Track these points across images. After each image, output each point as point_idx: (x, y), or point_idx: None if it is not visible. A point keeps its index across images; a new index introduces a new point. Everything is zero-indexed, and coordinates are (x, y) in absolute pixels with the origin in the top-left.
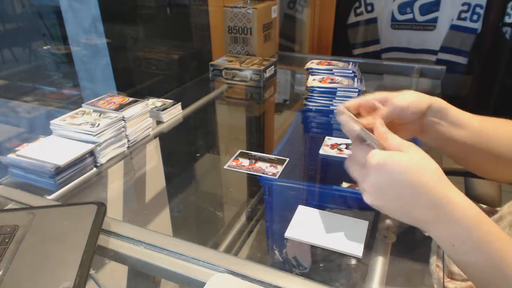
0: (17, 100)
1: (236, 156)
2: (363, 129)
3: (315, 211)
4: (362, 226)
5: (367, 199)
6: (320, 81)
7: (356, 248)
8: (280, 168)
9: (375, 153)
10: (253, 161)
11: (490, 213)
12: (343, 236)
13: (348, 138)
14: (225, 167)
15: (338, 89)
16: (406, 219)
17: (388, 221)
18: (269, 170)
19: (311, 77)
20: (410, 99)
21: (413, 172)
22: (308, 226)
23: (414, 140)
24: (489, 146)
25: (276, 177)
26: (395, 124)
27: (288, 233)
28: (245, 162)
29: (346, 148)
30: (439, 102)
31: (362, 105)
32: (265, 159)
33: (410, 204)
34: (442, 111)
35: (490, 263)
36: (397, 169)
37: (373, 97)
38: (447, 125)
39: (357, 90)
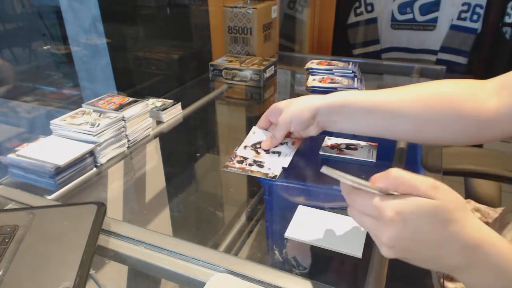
0: (17, 100)
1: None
2: (354, 180)
3: (315, 211)
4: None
5: (389, 254)
6: (320, 81)
7: (355, 249)
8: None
9: (389, 202)
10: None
11: (491, 210)
12: (343, 237)
13: (347, 138)
14: (224, 169)
15: (338, 89)
16: (435, 266)
17: None
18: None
19: (311, 77)
20: (290, 114)
21: (440, 219)
22: (308, 226)
23: (414, 159)
24: (412, 118)
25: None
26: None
27: (288, 233)
28: (247, 158)
29: (346, 148)
30: (327, 105)
31: (265, 122)
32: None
33: (440, 252)
34: (334, 111)
35: None
36: (419, 219)
37: (266, 115)
38: (345, 119)
39: (357, 90)
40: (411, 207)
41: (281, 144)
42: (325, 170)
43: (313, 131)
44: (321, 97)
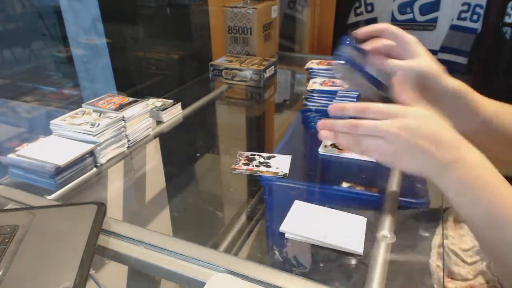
0: (17, 100)
1: (240, 160)
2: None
3: (312, 206)
4: (360, 222)
5: (395, 160)
6: (321, 84)
7: (356, 245)
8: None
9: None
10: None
11: None
12: (342, 232)
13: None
14: (230, 171)
15: (339, 92)
16: (424, 163)
17: (387, 221)
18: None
19: (311, 80)
20: (429, 68)
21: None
22: (304, 221)
23: None
24: (501, 130)
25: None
26: None
27: (283, 227)
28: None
29: None
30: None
31: (372, 34)
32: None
33: (440, 142)
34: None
35: (495, 214)
36: (425, 115)
37: (386, 44)
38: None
39: (358, 93)
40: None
41: None
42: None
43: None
44: None
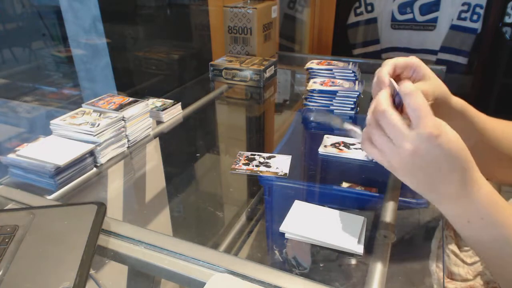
0: (17, 100)
1: (240, 160)
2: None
3: (312, 206)
4: (360, 222)
5: (396, 173)
6: (321, 84)
7: (356, 245)
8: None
9: (412, 135)
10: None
11: None
12: (342, 232)
13: (346, 137)
14: (230, 171)
15: (339, 92)
16: (428, 192)
17: (387, 222)
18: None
19: (311, 80)
20: (434, 89)
21: (456, 148)
22: (304, 221)
23: None
24: (496, 146)
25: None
26: None
27: (283, 227)
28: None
29: (345, 146)
30: (460, 104)
31: (395, 70)
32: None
33: (442, 177)
34: (463, 110)
35: (503, 240)
36: (439, 149)
37: (416, 67)
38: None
39: (358, 92)
40: (435, 143)
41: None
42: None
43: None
44: None
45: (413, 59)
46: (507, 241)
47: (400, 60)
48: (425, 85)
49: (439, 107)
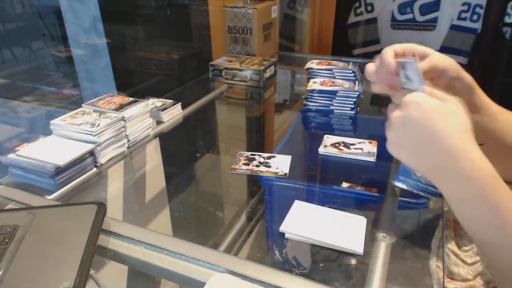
0: (17, 100)
1: (241, 161)
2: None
3: (312, 206)
4: (360, 222)
5: (389, 134)
6: (321, 84)
7: (356, 245)
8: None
9: (415, 93)
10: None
11: None
12: (342, 233)
13: (346, 136)
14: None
15: (339, 92)
16: (421, 164)
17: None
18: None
19: (311, 80)
20: (447, 64)
21: (439, 120)
22: (304, 221)
23: None
24: (504, 137)
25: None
26: None
27: (283, 228)
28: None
29: (345, 146)
30: (469, 80)
31: (406, 52)
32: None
33: (429, 149)
34: (468, 89)
35: (496, 222)
36: (427, 113)
37: (415, 48)
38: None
39: (358, 92)
40: (427, 103)
41: None
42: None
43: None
44: None
45: (410, 44)
46: (501, 228)
47: (397, 46)
48: (425, 62)
49: (446, 81)
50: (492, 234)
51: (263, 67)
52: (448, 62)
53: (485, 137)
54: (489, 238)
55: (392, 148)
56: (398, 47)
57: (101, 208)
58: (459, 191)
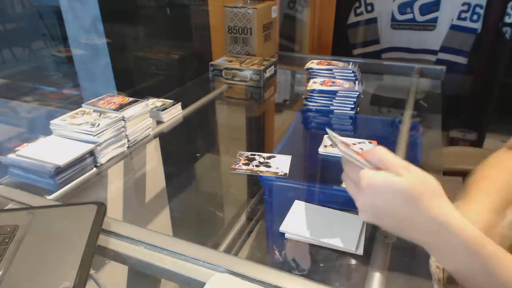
0: (17, 100)
1: (241, 161)
2: (345, 151)
3: (312, 206)
4: (359, 222)
5: (362, 216)
6: (321, 84)
7: (356, 245)
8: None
9: (364, 173)
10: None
11: None
12: (342, 233)
13: (346, 137)
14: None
15: (339, 92)
16: (405, 237)
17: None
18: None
19: (311, 80)
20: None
21: (407, 196)
22: (304, 221)
23: (415, 159)
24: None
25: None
26: None
27: (283, 228)
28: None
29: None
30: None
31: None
32: (268, 158)
33: (407, 227)
34: None
35: (494, 282)
36: (387, 193)
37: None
38: None
39: (358, 92)
40: (384, 181)
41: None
42: (329, 133)
43: None
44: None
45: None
46: (498, 284)
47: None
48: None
49: None
50: (484, 283)
51: (263, 67)
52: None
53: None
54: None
55: (370, 222)
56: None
57: (101, 208)
58: (450, 260)
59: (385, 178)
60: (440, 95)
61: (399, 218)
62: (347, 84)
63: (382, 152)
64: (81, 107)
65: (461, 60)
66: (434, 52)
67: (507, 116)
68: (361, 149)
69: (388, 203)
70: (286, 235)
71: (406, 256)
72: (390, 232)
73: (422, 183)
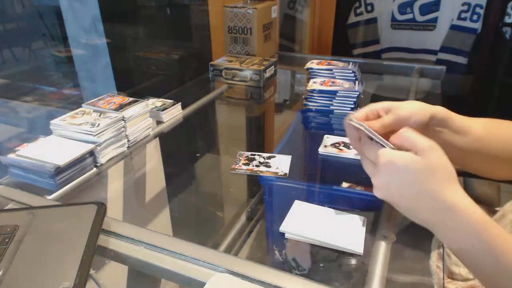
0: (17, 100)
1: (241, 160)
2: (370, 130)
3: (312, 206)
4: (360, 222)
5: (377, 194)
6: (321, 84)
7: (356, 245)
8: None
9: (384, 152)
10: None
11: (490, 212)
12: (342, 233)
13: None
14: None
15: (339, 92)
16: (414, 218)
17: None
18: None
19: (311, 80)
20: (412, 109)
21: (422, 176)
22: (304, 221)
23: None
24: (490, 149)
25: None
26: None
27: (283, 228)
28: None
29: (344, 146)
30: (442, 111)
31: (368, 114)
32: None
33: (418, 205)
34: (445, 120)
35: (497, 264)
36: (404, 171)
37: (378, 106)
38: (450, 133)
39: (358, 92)
40: (402, 160)
41: None
42: (353, 122)
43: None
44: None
45: (372, 105)
46: (499, 265)
47: (358, 113)
48: (389, 116)
49: (424, 126)
50: (493, 273)
51: (263, 67)
52: (412, 108)
53: (472, 156)
54: (491, 277)
55: (383, 199)
56: (359, 114)
57: (101, 208)
58: (455, 239)
59: (403, 156)
60: (440, 95)
61: (412, 196)
62: (347, 84)
63: (408, 132)
64: (81, 107)
65: (461, 60)
66: (434, 52)
67: (507, 116)
68: None
69: (403, 179)
70: (286, 235)
71: (406, 256)
72: (400, 211)
73: (439, 165)
